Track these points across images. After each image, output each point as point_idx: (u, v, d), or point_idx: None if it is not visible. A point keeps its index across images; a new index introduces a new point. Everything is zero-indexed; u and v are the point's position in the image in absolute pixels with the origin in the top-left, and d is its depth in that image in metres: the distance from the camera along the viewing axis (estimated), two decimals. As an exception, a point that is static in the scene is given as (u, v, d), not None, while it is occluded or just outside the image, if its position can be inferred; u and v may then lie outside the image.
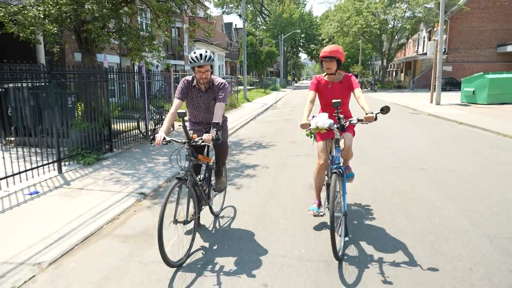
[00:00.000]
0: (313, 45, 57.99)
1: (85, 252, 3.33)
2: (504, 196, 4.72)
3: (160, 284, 2.81)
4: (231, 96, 17.98)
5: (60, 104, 6.16)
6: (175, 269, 2.98)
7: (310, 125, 3.32)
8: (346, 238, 3.26)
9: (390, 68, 47.91)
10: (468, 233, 3.62)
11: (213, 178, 3.89)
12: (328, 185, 3.63)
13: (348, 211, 4.10)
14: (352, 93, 3.73)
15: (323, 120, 3.24)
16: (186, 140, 3.12)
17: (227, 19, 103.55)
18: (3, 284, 2.74)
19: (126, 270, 3.01)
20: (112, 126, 7.50)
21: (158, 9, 8.60)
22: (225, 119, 3.74)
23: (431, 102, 19.21)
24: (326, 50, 3.62)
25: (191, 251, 3.23)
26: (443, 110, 15.48)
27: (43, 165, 5.51)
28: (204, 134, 3.13)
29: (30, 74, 5.88)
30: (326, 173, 3.81)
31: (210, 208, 3.96)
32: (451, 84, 31.02)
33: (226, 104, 3.79)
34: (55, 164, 5.77)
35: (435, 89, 18.75)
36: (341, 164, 3.42)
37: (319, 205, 3.83)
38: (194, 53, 3.28)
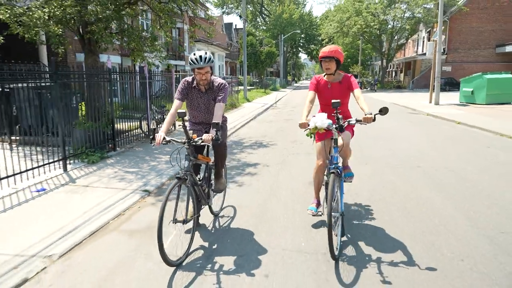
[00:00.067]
0: (313, 45, 58.12)
1: (93, 245, 3.47)
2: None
3: (167, 275, 2.92)
4: (231, 96, 18.11)
5: (64, 104, 6.29)
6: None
7: (308, 124, 3.35)
8: (343, 238, 3.27)
9: (390, 68, 48.04)
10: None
11: (213, 178, 3.91)
12: (327, 185, 3.61)
13: (348, 211, 4.20)
14: (351, 94, 3.76)
15: (322, 120, 3.27)
16: (186, 140, 3.14)
17: (227, 19, 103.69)
18: (17, 274, 2.87)
19: (133, 263, 3.14)
20: (116, 126, 7.62)
21: (160, 10, 8.73)
22: (224, 119, 3.77)
23: (430, 102, 19.33)
24: (325, 50, 3.66)
25: (190, 251, 3.26)
26: (442, 110, 15.61)
27: (49, 163, 5.63)
28: (204, 134, 3.15)
29: (37, 75, 6.00)
30: (325, 173, 3.82)
31: (210, 207, 3.98)
32: (450, 84, 31.13)
33: (226, 105, 3.80)
34: (61, 162, 5.89)
35: (434, 89, 18.89)
36: (340, 164, 3.45)
37: (318, 204, 3.88)
38: (194, 54, 3.30)
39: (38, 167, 5.44)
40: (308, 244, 3.45)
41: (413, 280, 2.81)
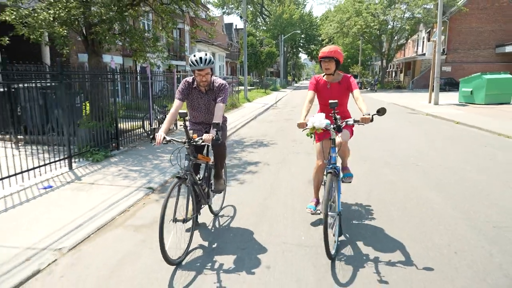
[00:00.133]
0: (313, 46, 58.26)
1: (101, 239, 3.60)
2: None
3: (172, 267, 3.05)
4: (232, 96, 18.24)
5: (70, 104, 6.42)
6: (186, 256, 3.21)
7: (307, 124, 3.37)
8: (341, 238, 3.31)
9: (390, 68, 48.17)
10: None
11: (212, 178, 3.94)
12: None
13: (347, 211, 4.25)
14: (351, 94, 3.78)
15: (319, 120, 3.28)
16: (186, 140, 3.16)
17: (227, 19, 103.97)
18: (30, 266, 3.01)
19: (139, 255, 3.27)
20: (119, 125, 7.76)
21: (162, 12, 8.86)
22: (224, 120, 3.77)
23: (430, 102, 19.45)
24: (324, 50, 3.68)
25: (190, 249, 3.30)
26: (441, 110, 15.74)
27: (55, 161, 5.77)
28: (204, 134, 3.17)
29: (44, 75, 6.14)
30: (324, 173, 3.78)
31: (210, 207, 4.01)
32: (450, 84, 31.24)
33: (226, 105, 3.82)
34: (66, 160, 6.03)
35: (433, 89, 19.01)
36: (338, 164, 3.46)
37: (317, 203, 3.91)
38: (194, 56, 3.30)
39: (45, 165, 5.58)
40: (307, 238, 3.58)
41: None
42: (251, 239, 3.59)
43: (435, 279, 2.85)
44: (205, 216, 4.07)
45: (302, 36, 57.55)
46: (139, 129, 9.02)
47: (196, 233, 3.70)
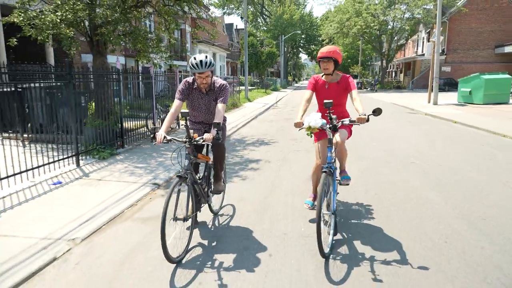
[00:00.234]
0: (313, 46, 58.43)
1: (111, 231, 3.80)
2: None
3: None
4: (232, 96, 18.44)
5: (76, 103, 6.62)
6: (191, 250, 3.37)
7: (303, 124, 3.39)
8: (336, 237, 3.34)
9: (390, 68, 48.38)
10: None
11: (212, 178, 3.95)
12: None
13: (346, 210, 4.32)
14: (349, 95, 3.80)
15: (315, 120, 3.30)
16: (187, 139, 3.18)
17: (228, 20, 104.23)
18: (47, 254, 3.21)
19: (149, 245, 3.47)
20: (124, 124, 7.96)
21: (165, 13, 9.06)
22: (224, 119, 3.77)
23: (429, 102, 19.64)
24: (323, 50, 3.73)
25: (190, 247, 3.35)
26: (440, 110, 15.93)
27: (63, 158, 5.97)
28: (205, 134, 3.20)
29: (53, 75, 6.33)
30: None
31: (209, 206, 4.05)
32: (449, 84, 31.42)
33: (227, 105, 3.85)
34: (74, 158, 6.23)
35: (432, 89, 19.20)
36: (334, 165, 3.48)
37: (315, 199, 3.95)
38: (195, 59, 3.29)
39: (54, 162, 5.77)
40: (307, 230, 3.78)
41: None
42: (253, 230, 3.78)
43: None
44: (205, 216, 4.11)
45: (303, 36, 57.79)
46: (143, 128, 9.22)
47: (196, 231, 3.73)
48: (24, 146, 7.35)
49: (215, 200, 4.24)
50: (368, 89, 39.51)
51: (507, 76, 18.56)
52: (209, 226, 3.97)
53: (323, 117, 3.37)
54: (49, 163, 5.64)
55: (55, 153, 6.10)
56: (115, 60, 14.22)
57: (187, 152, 3.27)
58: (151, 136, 3.23)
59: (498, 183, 5.34)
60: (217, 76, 3.79)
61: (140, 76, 10.66)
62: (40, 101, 6.99)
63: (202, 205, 3.79)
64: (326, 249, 3.13)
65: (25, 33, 7.42)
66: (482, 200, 4.61)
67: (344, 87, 3.81)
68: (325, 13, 54.63)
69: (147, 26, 14.52)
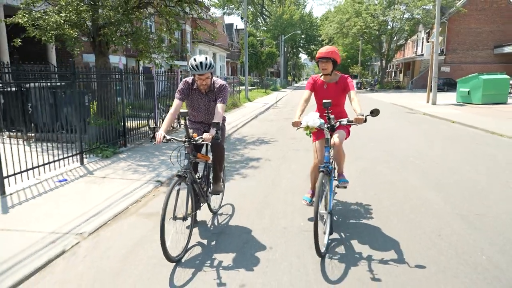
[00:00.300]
0: (313, 46, 58.60)
1: (117, 225, 3.93)
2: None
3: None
4: (233, 96, 18.58)
5: (80, 102, 6.75)
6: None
7: (301, 123, 3.41)
8: (332, 236, 3.39)
9: (389, 68, 48.54)
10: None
11: (211, 178, 3.96)
12: None
13: (345, 210, 4.35)
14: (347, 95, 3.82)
15: (313, 119, 3.31)
16: (186, 139, 3.20)
17: (228, 20, 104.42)
18: (56, 247, 3.34)
19: (153, 240, 3.59)
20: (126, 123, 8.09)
21: (167, 14, 9.19)
22: (223, 119, 3.78)
23: (428, 102, 19.77)
24: (322, 51, 3.75)
25: (189, 246, 3.37)
26: (439, 110, 16.06)
27: (68, 156, 6.10)
28: (205, 133, 3.21)
29: (58, 75, 6.46)
30: None
31: (209, 205, 4.06)
32: (449, 84, 31.53)
33: (227, 105, 3.85)
34: (78, 156, 6.35)
35: (431, 89, 19.33)
36: (331, 164, 3.50)
37: (313, 195, 3.95)
38: (194, 60, 3.30)
39: (58, 160, 5.90)
40: (306, 224, 3.90)
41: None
42: (254, 224, 3.91)
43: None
44: (204, 215, 4.13)
45: (302, 36, 57.97)
46: (144, 127, 9.35)
47: (195, 230, 3.75)
48: (29, 145, 7.48)
49: (215, 199, 4.26)
50: (368, 89, 39.66)
51: (505, 76, 18.70)
52: (209, 225, 4.00)
53: (321, 117, 3.40)
54: (54, 161, 5.76)
55: (62, 152, 6.22)
56: (117, 60, 14.33)
57: (186, 152, 3.29)
58: (151, 135, 3.27)
59: (498, 183, 5.36)
60: (217, 77, 3.84)
61: (142, 76, 10.77)
62: (44, 100, 7.13)
63: (202, 204, 3.80)
64: (322, 248, 3.16)
65: (29, 34, 7.55)
66: (482, 200, 4.62)
67: (342, 87, 3.83)
68: (325, 13, 54.80)
69: (148, 27, 14.67)
